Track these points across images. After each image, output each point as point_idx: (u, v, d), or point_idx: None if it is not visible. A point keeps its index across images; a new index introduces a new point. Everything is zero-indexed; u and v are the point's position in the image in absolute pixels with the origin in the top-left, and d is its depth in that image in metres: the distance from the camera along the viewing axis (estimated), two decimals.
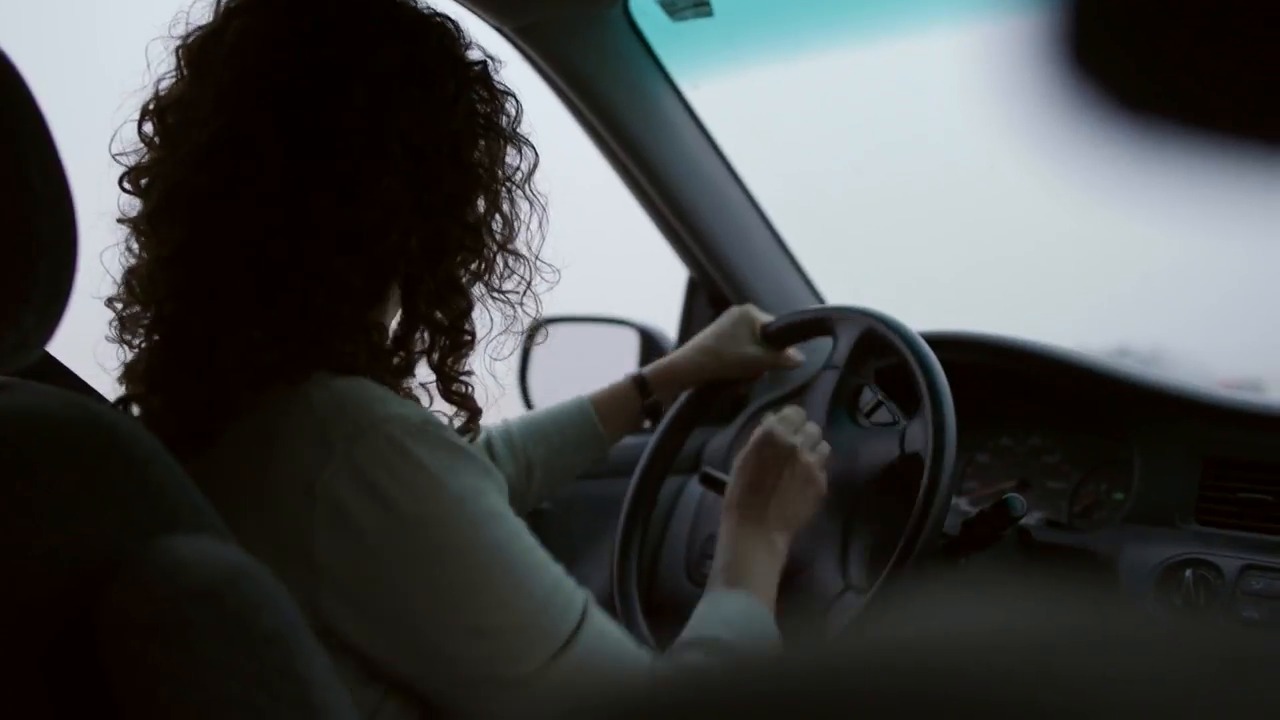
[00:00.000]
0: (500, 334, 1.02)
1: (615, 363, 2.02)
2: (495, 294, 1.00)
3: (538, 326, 2.05)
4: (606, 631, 0.94)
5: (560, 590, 0.91)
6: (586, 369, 2.17)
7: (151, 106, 0.94)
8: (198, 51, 0.93)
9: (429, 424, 0.87)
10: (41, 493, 0.64)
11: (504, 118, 1.01)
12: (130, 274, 0.95)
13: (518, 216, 1.01)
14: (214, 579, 0.62)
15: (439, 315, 0.97)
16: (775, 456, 1.19)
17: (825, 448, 1.24)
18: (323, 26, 0.91)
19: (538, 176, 1.03)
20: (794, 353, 1.55)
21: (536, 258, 1.04)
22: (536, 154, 1.03)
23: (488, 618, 0.86)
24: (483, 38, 1.03)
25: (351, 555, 0.83)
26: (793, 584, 1.26)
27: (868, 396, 1.37)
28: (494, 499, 0.89)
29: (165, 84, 0.95)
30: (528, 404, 2.01)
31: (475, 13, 1.50)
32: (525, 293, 1.03)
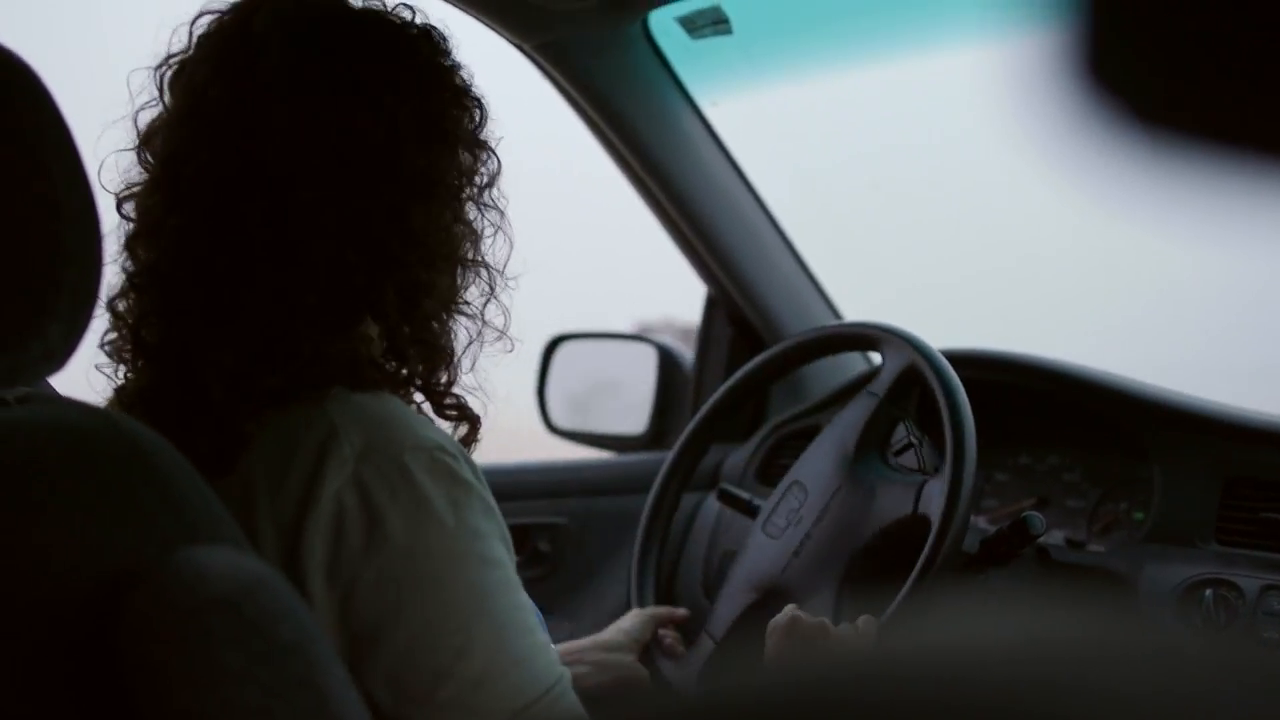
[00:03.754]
0: (467, 347, 0.99)
1: (634, 380, 2.02)
2: (451, 306, 0.97)
3: (556, 343, 2.07)
4: (575, 713, 0.91)
5: (538, 656, 0.89)
6: (605, 386, 2.18)
7: (137, 134, 0.96)
8: (165, 80, 0.95)
9: (442, 450, 0.87)
10: (64, 502, 0.65)
11: (455, 123, 0.97)
12: (113, 297, 0.95)
13: (470, 225, 0.98)
14: (234, 589, 0.62)
15: (405, 328, 0.95)
16: (805, 632, 1.12)
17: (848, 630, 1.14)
18: (258, 46, 0.91)
19: (500, 183, 1.01)
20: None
21: (496, 269, 1.01)
22: (498, 160, 1.00)
23: (457, 662, 0.85)
24: (503, 56, 1.03)
25: (340, 569, 0.83)
26: (874, 516, 1.27)
27: (900, 434, 1.36)
28: (493, 545, 0.88)
29: (145, 112, 0.96)
30: (546, 421, 2.02)
31: (495, 30, 1.51)
32: (487, 304, 1.00)
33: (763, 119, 1.93)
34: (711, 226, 1.83)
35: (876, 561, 1.27)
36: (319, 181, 0.89)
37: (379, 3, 0.98)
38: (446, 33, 1.00)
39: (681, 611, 1.33)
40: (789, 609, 1.15)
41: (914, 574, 1.19)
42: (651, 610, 1.32)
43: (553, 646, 0.94)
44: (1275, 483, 1.42)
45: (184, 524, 0.67)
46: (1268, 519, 1.41)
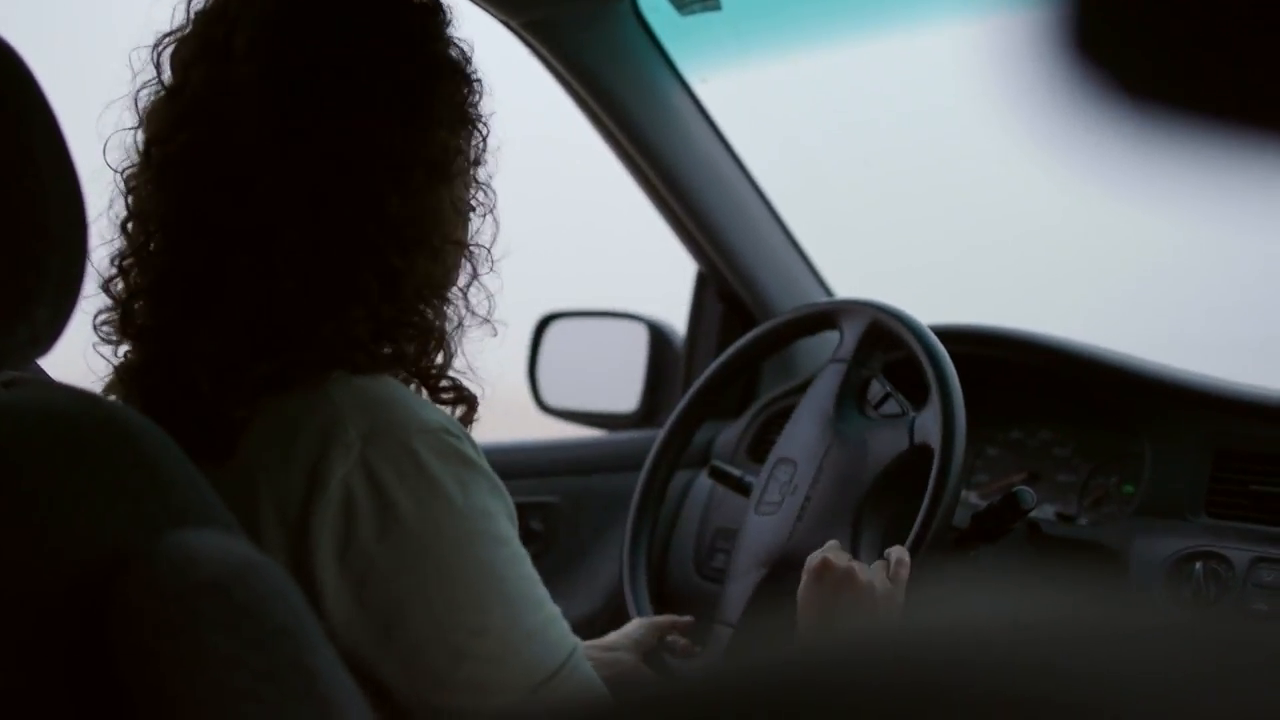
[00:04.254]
0: (455, 329, 0.98)
1: (625, 358, 2.02)
2: (431, 290, 0.95)
3: (546, 322, 2.06)
4: (592, 682, 0.93)
5: (552, 628, 0.90)
6: (596, 364, 2.18)
7: (136, 113, 0.95)
8: (159, 58, 0.94)
9: (447, 432, 0.87)
10: (52, 487, 0.65)
11: (438, 100, 0.94)
12: (108, 277, 0.95)
13: (455, 206, 0.95)
14: (223, 572, 0.62)
15: (387, 312, 0.92)
16: (834, 582, 1.10)
17: (881, 576, 1.12)
18: (233, 20, 0.90)
19: (489, 162, 0.99)
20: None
21: (480, 251, 0.99)
22: (486, 138, 0.98)
23: (474, 641, 0.85)
24: (490, 33, 1.01)
25: (352, 555, 0.83)
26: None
27: (876, 389, 1.37)
28: (501, 523, 0.88)
29: (145, 91, 0.95)
30: (537, 399, 2.02)
31: (482, 7, 1.50)
32: (469, 287, 0.99)
33: (752, 95, 1.92)
34: (701, 203, 1.83)
35: (885, 501, 1.27)
36: (285, 163, 0.88)
37: None
38: (444, 5, 0.98)
39: (686, 618, 1.32)
40: (818, 553, 1.13)
41: (928, 497, 1.18)
42: (655, 618, 1.32)
43: (562, 617, 0.94)
44: (1265, 455, 1.43)
45: (172, 508, 0.66)
46: (1257, 491, 1.41)
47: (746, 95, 1.91)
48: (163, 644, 0.60)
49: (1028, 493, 1.28)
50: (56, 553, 0.63)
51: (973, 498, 1.64)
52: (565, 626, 0.92)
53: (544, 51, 1.61)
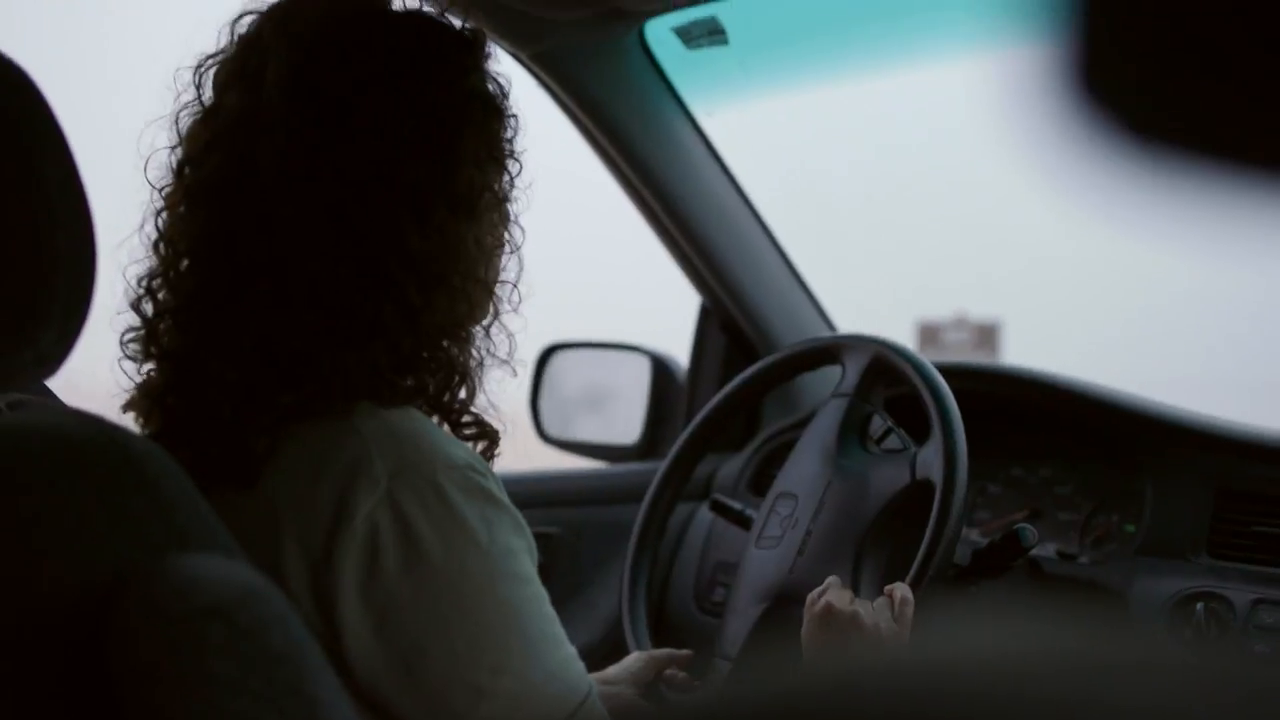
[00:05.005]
0: (477, 366, 0.97)
1: (627, 390, 2.02)
2: (451, 328, 0.94)
3: (549, 353, 2.07)
4: None
5: (569, 668, 0.91)
6: (598, 396, 2.18)
7: (176, 133, 0.95)
8: (200, 80, 0.94)
9: (473, 469, 0.87)
10: (55, 509, 0.65)
11: (465, 137, 0.93)
12: (137, 297, 0.95)
13: (479, 243, 0.94)
14: (225, 597, 0.62)
15: (408, 346, 0.92)
16: (840, 626, 1.10)
17: (886, 615, 1.12)
18: (268, 48, 0.91)
19: (516, 199, 0.98)
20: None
21: (502, 291, 0.98)
22: (514, 175, 0.97)
23: (495, 679, 0.86)
24: (499, 65, 1.01)
25: (375, 590, 0.83)
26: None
27: (877, 424, 1.37)
28: (523, 561, 0.89)
29: (185, 112, 0.95)
30: (539, 430, 2.02)
31: (492, 39, 1.51)
32: (490, 326, 0.98)
33: (758, 129, 1.93)
34: (705, 236, 1.84)
35: (886, 536, 1.27)
36: (308, 192, 0.87)
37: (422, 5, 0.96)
38: (482, 41, 0.97)
39: (685, 652, 1.31)
40: (820, 595, 1.12)
41: (929, 532, 1.18)
42: (653, 652, 1.31)
43: (578, 657, 0.94)
44: (1267, 495, 1.43)
45: (174, 531, 0.66)
46: (1260, 532, 1.41)
47: (753, 128, 1.92)
48: (162, 666, 0.60)
49: (1029, 530, 1.28)
50: (58, 574, 0.63)
51: (974, 535, 1.64)
52: (581, 666, 0.93)
53: (550, 83, 1.62)
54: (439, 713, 0.85)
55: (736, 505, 1.53)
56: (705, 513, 1.72)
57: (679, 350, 2.07)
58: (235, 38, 0.94)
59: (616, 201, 1.82)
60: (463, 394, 0.96)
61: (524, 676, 0.86)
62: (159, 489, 0.68)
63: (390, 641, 0.83)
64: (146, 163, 0.95)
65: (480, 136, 0.93)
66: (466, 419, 0.97)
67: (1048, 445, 1.66)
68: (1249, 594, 1.35)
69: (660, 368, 2.02)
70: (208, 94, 0.93)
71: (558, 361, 2.03)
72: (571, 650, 0.92)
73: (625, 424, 2.01)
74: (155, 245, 0.93)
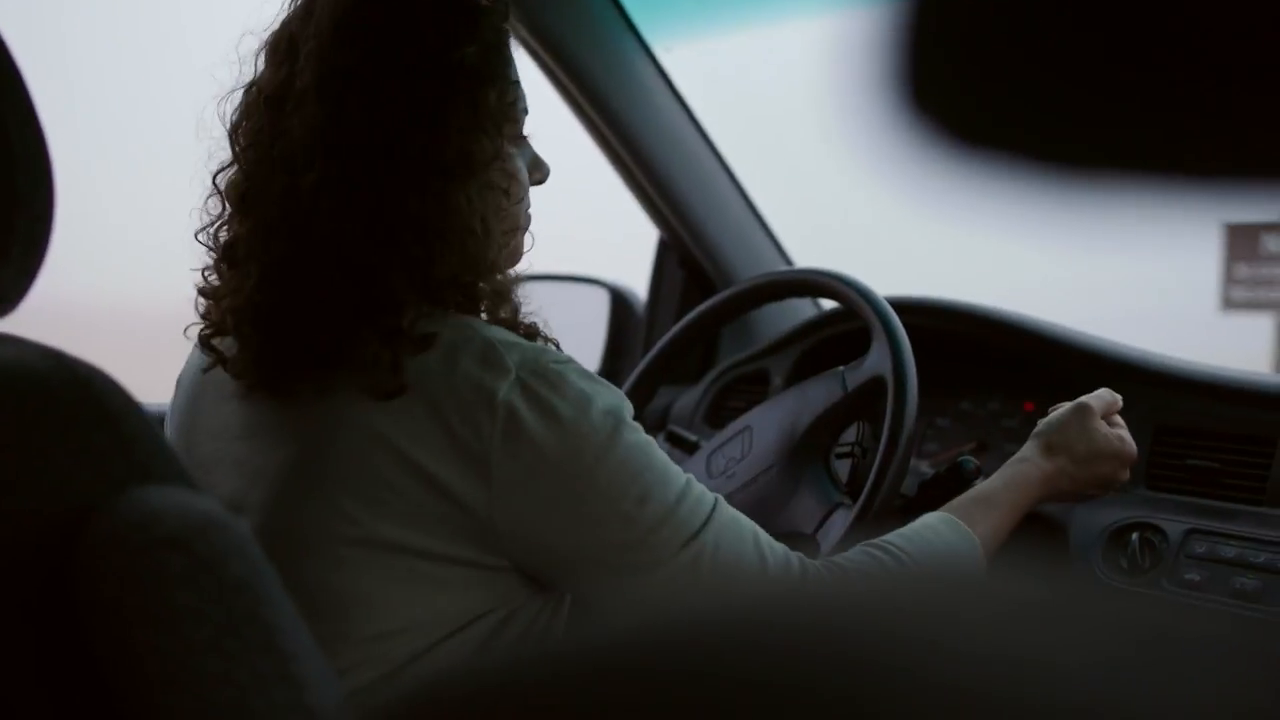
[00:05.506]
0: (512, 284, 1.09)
1: (586, 322, 2.03)
2: (464, 275, 1.03)
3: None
4: (737, 521, 1.04)
5: (693, 487, 1.01)
6: (557, 328, 2.18)
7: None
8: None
9: (571, 360, 0.99)
10: (16, 443, 0.66)
11: (465, 104, 0.99)
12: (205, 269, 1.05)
13: (473, 205, 1.00)
14: (184, 528, 0.64)
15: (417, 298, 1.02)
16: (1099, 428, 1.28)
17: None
18: (314, 14, 0.99)
19: (509, 158, 1.05)
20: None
21: (511, 232, 1.08)
22: (502, 136, 1.03)
23: (639, 507, 0.97)
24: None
25: (525, 459, 0.93)
26: (784, 515, 1.31)
27: (849, 435, 1.39)
28: (630, 413, 1.00)
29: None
30: None
31: None
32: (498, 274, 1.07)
33: (715, 64, 1.93)
34: (664, 171, 1.84)
35: (816, 453, 1.36)
36: (325, 163, 0.95)
37: None
38: (490, 11, 1.03)
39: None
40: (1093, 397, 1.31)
41: (888, 423, 1.27)
42: None
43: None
44: (1203, 430, 1.47)
45: (135, 464, 0.68)
46: (1194, 465, 1.46)
47: (710, 64, 1.92)
48: (126, 598, 0.62)
49: (971, 461, 1.32)
50: (21, 508, 0.65)
51: (923, 466, 1.68)
52: (700, 485, 1.03)
53: (510, 17, 1.61)
54: (591, 548, 0.97)
55: (691, 436, 1.56)
56: (661, 443, 1.75)
57: (638, 284, 2.09)
58: (294, 6, 1.02)
59: (575, 135, 1.82)
60: (505, 313, 1.06)
61: (662, 500, 0.98)
62: (121, 423, 0.69)
63: (544, 499, 0.94)
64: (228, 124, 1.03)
65: (469, 105, 0.99)
66: (521, 331, 1.07)
67: (996, 379, 1.70)
68: (1183, 524, 1.40)
69: (619, 300, 2.04)
70: (260, 66, 1.02)
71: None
72: (689, 475, 1.03)
73: (584, 356, 2.01)
74: (215, 237, 1.04)
